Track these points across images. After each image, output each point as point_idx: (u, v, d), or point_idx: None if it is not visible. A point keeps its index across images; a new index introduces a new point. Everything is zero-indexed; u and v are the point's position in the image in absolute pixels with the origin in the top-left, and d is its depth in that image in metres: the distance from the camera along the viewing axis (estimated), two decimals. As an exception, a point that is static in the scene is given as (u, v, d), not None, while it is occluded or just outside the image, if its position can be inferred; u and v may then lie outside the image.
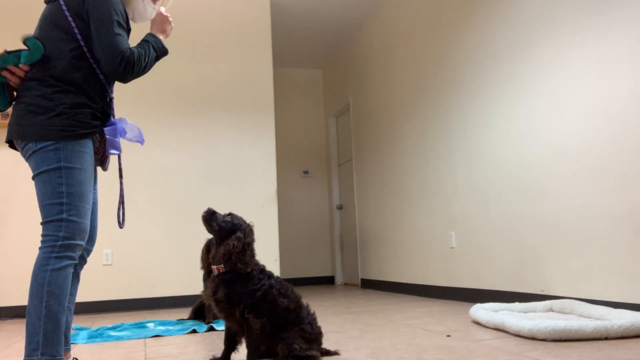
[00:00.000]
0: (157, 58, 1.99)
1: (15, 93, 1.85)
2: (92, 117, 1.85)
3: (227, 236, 2.00)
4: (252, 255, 1.96)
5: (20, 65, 1.78)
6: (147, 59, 1.92)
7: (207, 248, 2.91)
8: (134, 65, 1.84)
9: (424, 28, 4.67)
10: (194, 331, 3.07)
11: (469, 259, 4.00)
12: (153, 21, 2.09)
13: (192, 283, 4.63)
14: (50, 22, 1.86)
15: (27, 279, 4.30)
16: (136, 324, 3.44)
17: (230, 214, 2.06)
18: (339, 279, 7.01)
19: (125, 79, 1.87)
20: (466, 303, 3.91)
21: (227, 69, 5.08)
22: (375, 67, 5.72)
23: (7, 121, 4.22)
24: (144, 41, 1.97)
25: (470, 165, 3.98)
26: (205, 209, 2.19)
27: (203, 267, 2.98)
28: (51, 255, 1.73)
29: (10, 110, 1.97)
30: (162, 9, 2.13)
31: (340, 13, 5.76)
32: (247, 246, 1.95)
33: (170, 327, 3.26)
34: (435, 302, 4.09)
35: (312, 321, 2.07)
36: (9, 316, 4.26)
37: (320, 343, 2.09)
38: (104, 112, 1.93)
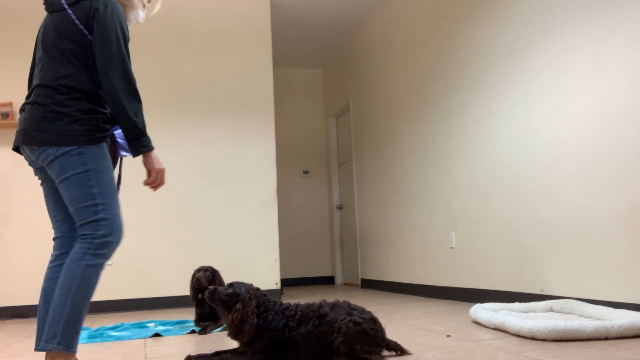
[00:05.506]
0: (131, 129, 1.85)
1: None
2: (103, 121, 1.87)
3: (231, 308, 2.03)
4: (251, 323, 1.97)
5: None
6: (135, 110, 1.85)
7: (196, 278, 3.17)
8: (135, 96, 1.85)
9: (424, 28, 4.67)
10: (194, 331, 3.08)
11: (469, 259, 4.00)
12: (154, 159, 1.97)
13: (192, 283, 4.63)
14: (57, 33, 1.85)
15: (27, 279, 4.31)
16: (136, 324, 3.44)
17: (232, 285, 2.06)
18: (339, 279, 7.01)
19: (121, 103, 1.81)
20: (466, 303, 3.91)
21: (227, 69, 5.08)
22: (375, 67, 5.72)
23: (8, 121, 4.21)
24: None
25: (471, 165, 3.98)
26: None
27: (192, 299, 3.19)
28: (88, 251, 1.77)
29: (10, 110, 1.97)
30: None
31: (340, 13, 5.76)
32: (245, 316, 1.97)
33: (170, 327, 3.26)
34: (435, 302, 4.09)
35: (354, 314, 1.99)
36: (9, 316, 4.26)
37: (382, 338, 2.05)
38: (110, 117, 1.95)
